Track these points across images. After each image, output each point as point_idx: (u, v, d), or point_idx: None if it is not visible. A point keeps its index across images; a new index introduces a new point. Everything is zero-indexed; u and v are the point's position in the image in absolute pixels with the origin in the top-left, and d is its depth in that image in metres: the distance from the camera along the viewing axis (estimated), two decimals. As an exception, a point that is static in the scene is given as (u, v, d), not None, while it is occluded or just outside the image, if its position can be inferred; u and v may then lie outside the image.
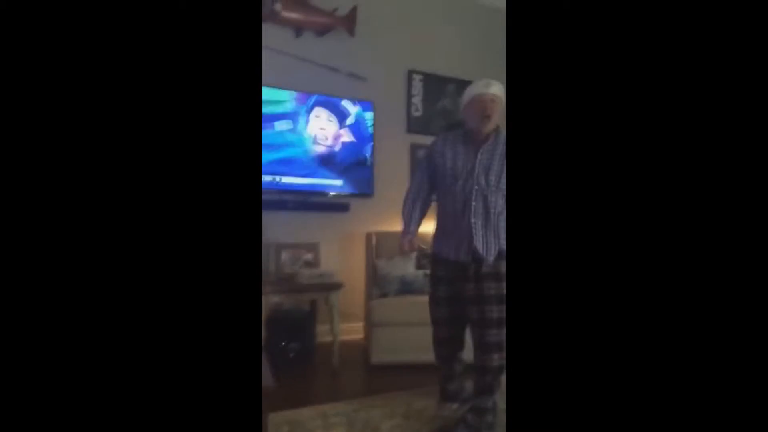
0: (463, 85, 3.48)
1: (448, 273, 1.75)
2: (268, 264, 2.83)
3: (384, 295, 2.61)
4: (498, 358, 1.63)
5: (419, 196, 1.84)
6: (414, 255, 1.86)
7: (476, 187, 1.65)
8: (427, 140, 3.32)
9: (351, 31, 3.12)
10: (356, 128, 3.08)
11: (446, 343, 1.84)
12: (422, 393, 2.06)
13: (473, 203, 1.65)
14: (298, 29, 2.99)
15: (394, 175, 3.30)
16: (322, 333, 2.72)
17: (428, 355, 2.26)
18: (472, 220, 1.65)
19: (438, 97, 3.48)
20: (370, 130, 3.13)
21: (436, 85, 3.47)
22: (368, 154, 3.12)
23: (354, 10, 3.10)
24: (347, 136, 3.06)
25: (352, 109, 3.07)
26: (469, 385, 1.85)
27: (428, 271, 2.58)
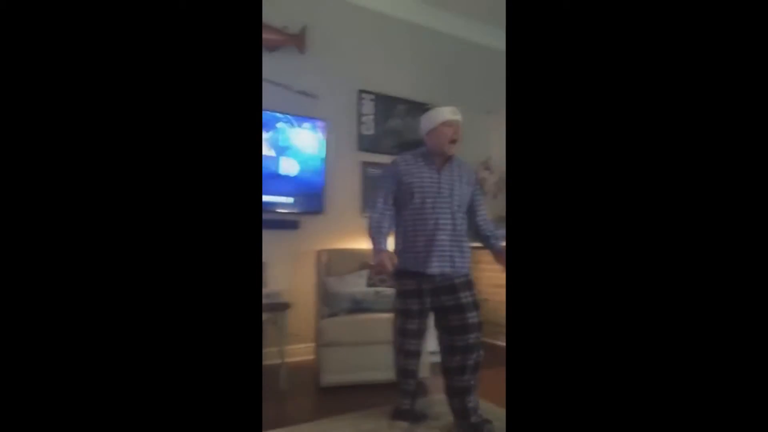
0: (413, 106, 3.56)
1: (420, 286, 1.81)
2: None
3: (334, 314, 2.56)
4: (475, 357, 1.76)
5: (385, 214, 1.86)
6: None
7: (446, 206, 1.79)
8: (377, 158, 3.35)
9: (301, 49, 3.12)
10: (273, 142, 3.01)
11: (414, 356, 1.89)
12: (372, 414, 2.02)
13: (442, 222, 1.78)
14: (247, 45, 2.95)
15: (345, 193, 3.29)
16: (270, 355, 2.62)
17: (379, 374, 2.24)
18: (443, 238, 1.77)
19: (388, 117, 3.53)
20: (284, 143, 3.05)
21: (387, 105, 3.52)
22: (280, 168, 3.03)
23: (304, 28, 3.10)
24: (267, 150, 2.99)
25: (281, 125, 3.02)
26: (420, 403, 1.84)
27: (380, 289, 2.58)
